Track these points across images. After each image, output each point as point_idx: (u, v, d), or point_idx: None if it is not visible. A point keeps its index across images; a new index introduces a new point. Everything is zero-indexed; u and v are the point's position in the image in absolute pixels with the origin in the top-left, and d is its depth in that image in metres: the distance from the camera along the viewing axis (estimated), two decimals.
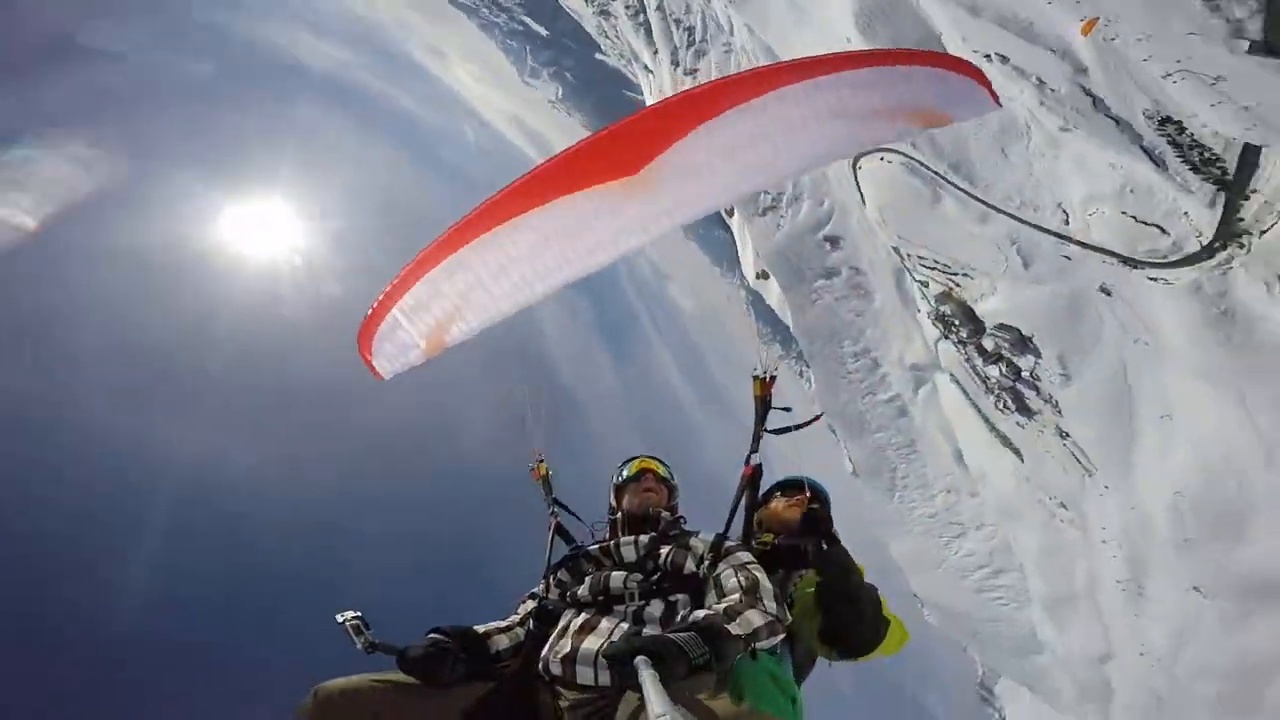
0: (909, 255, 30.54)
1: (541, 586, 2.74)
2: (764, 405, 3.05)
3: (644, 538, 2.67)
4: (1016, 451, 30.27)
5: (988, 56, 21.11)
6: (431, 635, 2.29)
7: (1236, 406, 20.33)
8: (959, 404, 32.83)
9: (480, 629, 2.48)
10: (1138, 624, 26.71)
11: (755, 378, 3.13)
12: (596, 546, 2.76)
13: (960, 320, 29.30)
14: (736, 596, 2.21)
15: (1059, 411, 26.89)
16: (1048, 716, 34.57)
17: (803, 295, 36.89)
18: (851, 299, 35.70)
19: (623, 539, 2.71)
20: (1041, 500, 29.84)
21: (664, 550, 2.57)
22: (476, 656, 2.33)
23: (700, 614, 2.10)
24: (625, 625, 2.31)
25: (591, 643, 2.23)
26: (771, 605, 2.19)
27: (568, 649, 2.24)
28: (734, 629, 1.99)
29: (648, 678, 1.56)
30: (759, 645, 2.08)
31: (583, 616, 2.39)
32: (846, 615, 2.54)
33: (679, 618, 2.30)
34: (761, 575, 2.35)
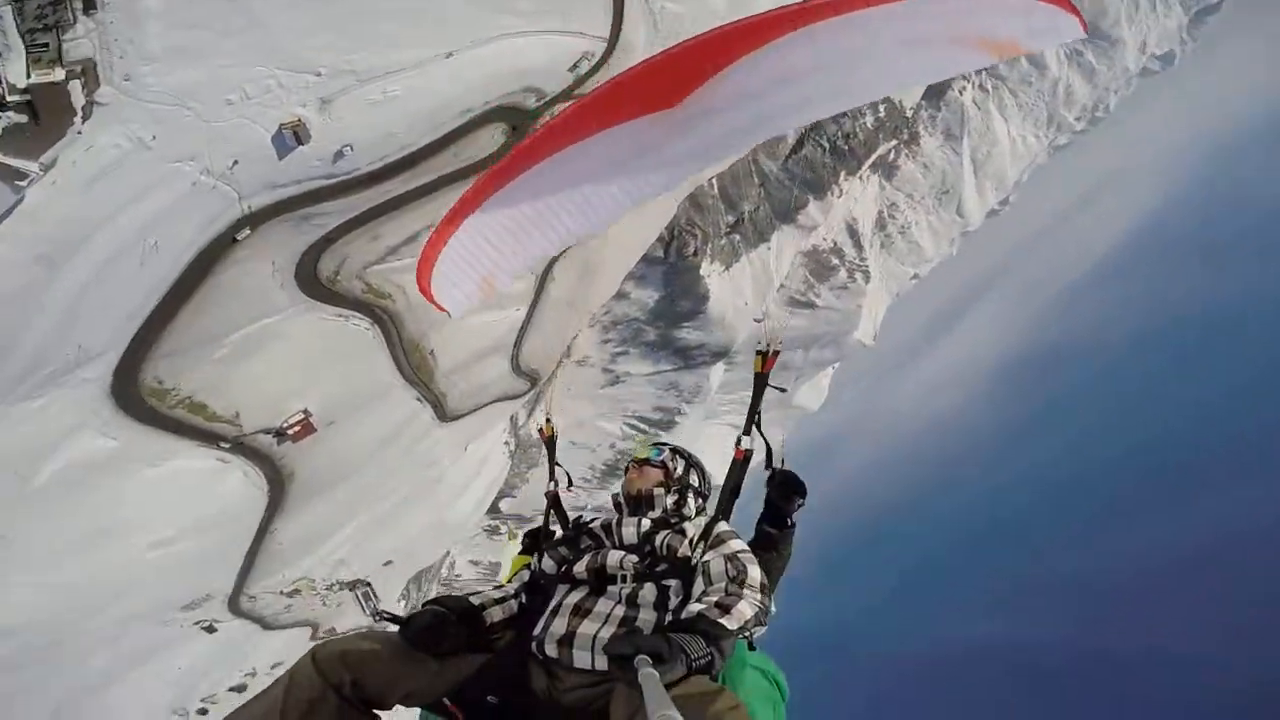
0: None
1: (536, 557, 2.75)
2: (763, 383, 2.97)
3: (645, 520, 2.72)
4: None
5: None
6: (430, 606, 2.30)
7: None
8: None
9: (476, 600, 2.47)
10: None
11: (759, 353, 3.00)
12: (601, 524, 2.81)
13: None
14: (723, 586, 2.24)
15: None
16: None
17: None
18: None
19: (625, 518, 2.77)
20: None
21: (660, 535, 2.62)
22: (473, 630, 2.34)
23: (696, 609, 2.13)
24: (620, 609, 2.33)
25: (588, 627, 2.24)
26: (758, 596, 2.20)
27: (563, 631, 2.25)
28: (728, 623, 2.01)
29: (649, 678, 1.56)
30: (750, 634, 2.13)
31: (576, 595, 2.42)
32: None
33: (671, 608, 2.34)
34: (751, 565, 2.35)
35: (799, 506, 3.01)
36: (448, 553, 52.16)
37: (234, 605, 30.69)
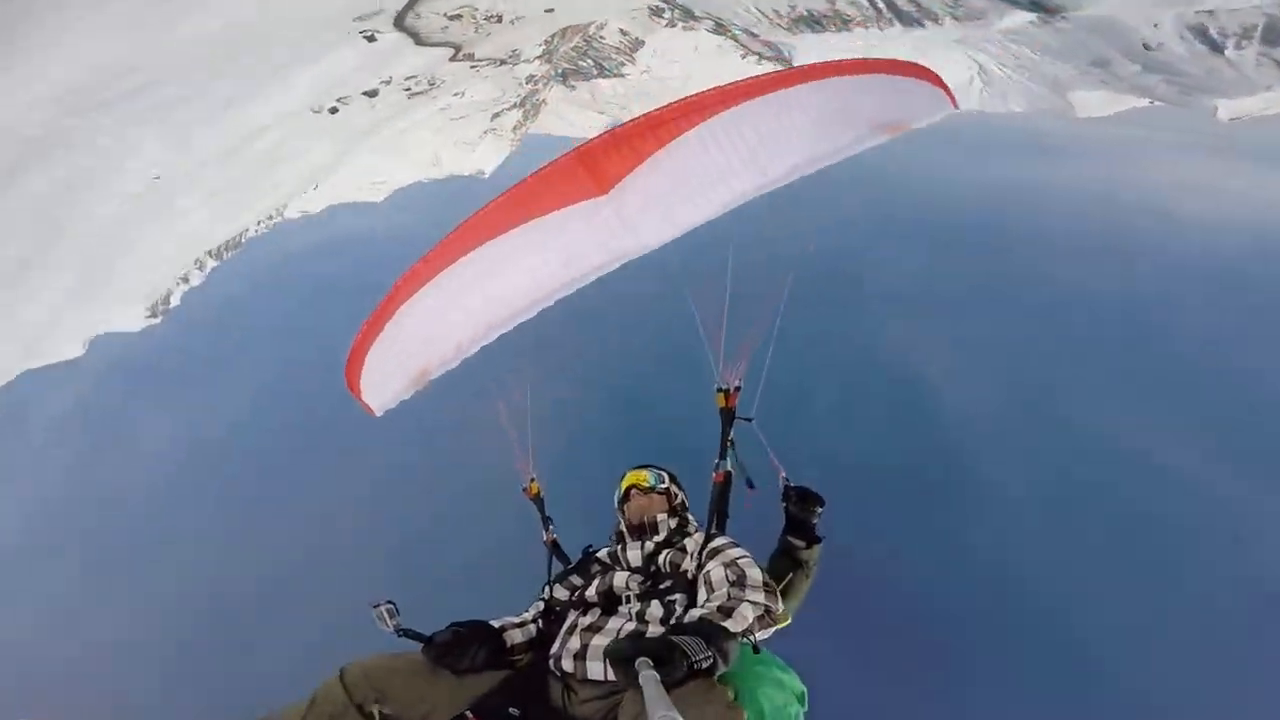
0: None
1: (548, 590, 2.83)
2: (730, 416, 3.15)
3: (649, 543, 2.77)
4: None
5: None
6: (453, 626, 2.38)
7: None
8: None
9: (496, 624, 2.55)
10: None
11: (719, 390, 3.15)
12: (607, 552, 2.85)
13: None
14: (725, 591, 2.24)
15: None
16: None
17: None
18: None
19: (629, 543, 2.81)
20: None
21: (664, 554, 2.66)
22: (494, 649, 2.39)
23: (697, 613, 2.16)
24: (630, 625, 2.38)
25: (600, 640, 2.29)
26: (760, 596, 2.20)
27: (578, 646, 2.31)
28: (730, 626, 2.03)
29: (649, 680, 1.58)
30: (755, 637, 2.13)
31: (589, 617, 2.47)
32: (794, 599, 2.90)
33: (675, 617, 2.37)
34: (751, 568, 2.36)
35: (820, 516, 3.01)
36: (604, 16, 55.39)
37: (399, 21, 36.94)
